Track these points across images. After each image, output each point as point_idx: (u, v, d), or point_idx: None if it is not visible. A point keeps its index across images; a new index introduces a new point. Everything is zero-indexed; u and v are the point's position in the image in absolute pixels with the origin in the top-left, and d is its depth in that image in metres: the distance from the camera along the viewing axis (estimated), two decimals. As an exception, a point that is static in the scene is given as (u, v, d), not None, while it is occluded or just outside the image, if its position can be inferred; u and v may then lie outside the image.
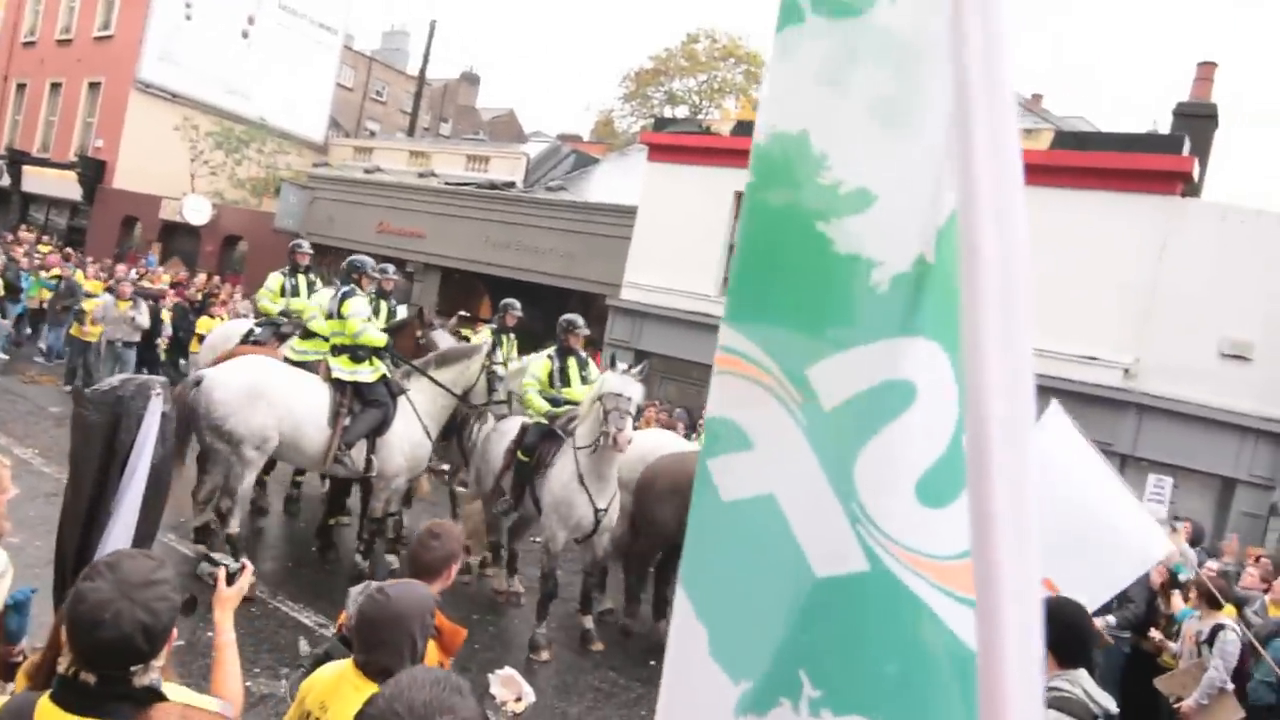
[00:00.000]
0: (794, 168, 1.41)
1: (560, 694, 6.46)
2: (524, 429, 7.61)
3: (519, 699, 3.00)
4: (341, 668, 2.36)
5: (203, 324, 13.64)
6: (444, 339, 8.58)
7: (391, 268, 9.39)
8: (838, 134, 1.38)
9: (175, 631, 1.90)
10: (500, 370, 7.64)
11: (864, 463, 1.33)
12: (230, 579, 2.51)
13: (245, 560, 2.54)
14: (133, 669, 1.76)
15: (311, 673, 2.47)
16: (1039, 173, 11.82)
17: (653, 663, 7.43)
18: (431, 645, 2.62)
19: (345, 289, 7.63)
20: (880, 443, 1.32)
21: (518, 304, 9.15)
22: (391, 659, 2.25)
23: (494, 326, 9.07)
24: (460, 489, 9.00)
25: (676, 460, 7.57)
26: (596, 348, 15.88)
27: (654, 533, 7.48)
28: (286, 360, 7.83)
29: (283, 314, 9.33)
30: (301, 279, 9.59)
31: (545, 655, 6.91)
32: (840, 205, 1.36)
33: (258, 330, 9.24)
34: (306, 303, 9.03)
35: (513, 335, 9.06)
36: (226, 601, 2.49)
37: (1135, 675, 6.52)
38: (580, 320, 7.99)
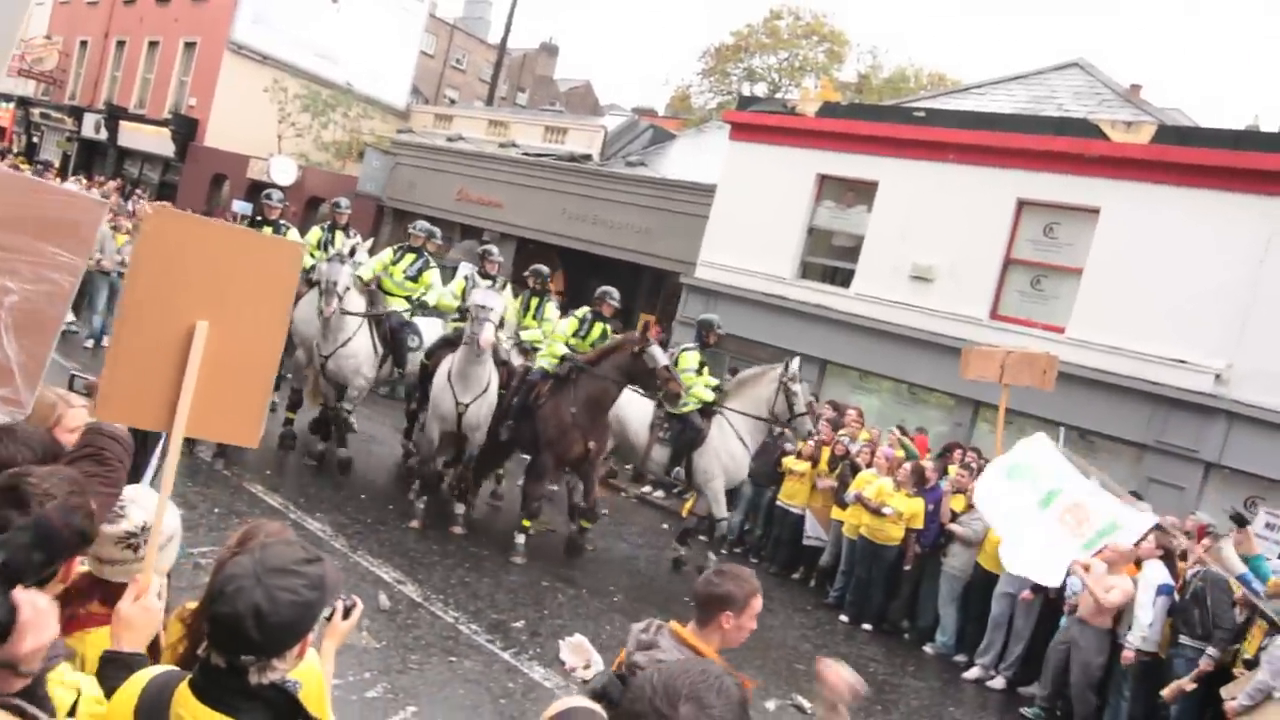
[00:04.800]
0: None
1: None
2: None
3: (588, 665, 3.10)
4: None
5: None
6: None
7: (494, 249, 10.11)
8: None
9: (309, 639, 1.78)
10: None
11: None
12: (346, 613, 2.50)
13: (356, 598, 2.54)
14: (244, 658, 1.65)
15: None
16: (1139, 168, 11.38)
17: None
18: None
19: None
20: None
21: (616, 294, 9.20)
22: None
23: (590, 311, 9.05)
24: None
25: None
26: (668, 322, 15.91)
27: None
28: None
29: (313, 268, 9.63)
30: (339, 234, 10.26)
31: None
32: None
33: None
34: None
35: (606, 321, 9.06)
36: (337, 635, 2.49)
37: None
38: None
